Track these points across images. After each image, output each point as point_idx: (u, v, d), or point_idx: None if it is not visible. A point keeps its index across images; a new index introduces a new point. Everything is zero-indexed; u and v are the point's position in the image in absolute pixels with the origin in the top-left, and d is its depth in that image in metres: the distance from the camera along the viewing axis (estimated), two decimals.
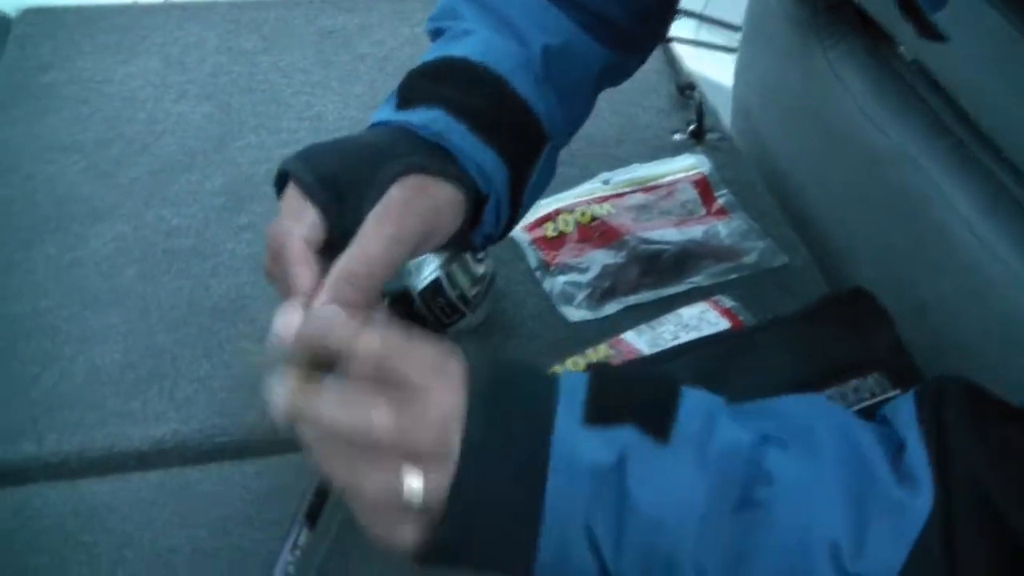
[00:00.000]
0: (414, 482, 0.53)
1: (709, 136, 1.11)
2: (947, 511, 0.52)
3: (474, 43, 0.72)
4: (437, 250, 0.76)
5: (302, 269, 0.62)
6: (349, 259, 0.61)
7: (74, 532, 0.72)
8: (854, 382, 0.73)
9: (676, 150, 1.08)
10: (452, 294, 0.80)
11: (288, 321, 0.58)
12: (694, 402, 0.54)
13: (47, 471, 0.77)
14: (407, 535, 0.55)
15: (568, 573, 0.55)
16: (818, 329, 0.78)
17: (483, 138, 0.68)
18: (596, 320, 0.87)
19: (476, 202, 0.69)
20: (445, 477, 0.53)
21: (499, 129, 0.69)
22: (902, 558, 0.51)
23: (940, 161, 0.88)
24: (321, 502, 0.68)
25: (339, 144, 0.68)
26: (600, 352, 0.81)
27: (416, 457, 0.53)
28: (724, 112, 1.20)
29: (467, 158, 0.67)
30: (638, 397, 0.55)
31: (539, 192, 0.78)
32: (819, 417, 0.56)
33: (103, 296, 0.90)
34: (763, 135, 1.17)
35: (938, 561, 0.51)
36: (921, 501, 0.52)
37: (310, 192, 0.63)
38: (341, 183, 0.64)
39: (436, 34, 0.77)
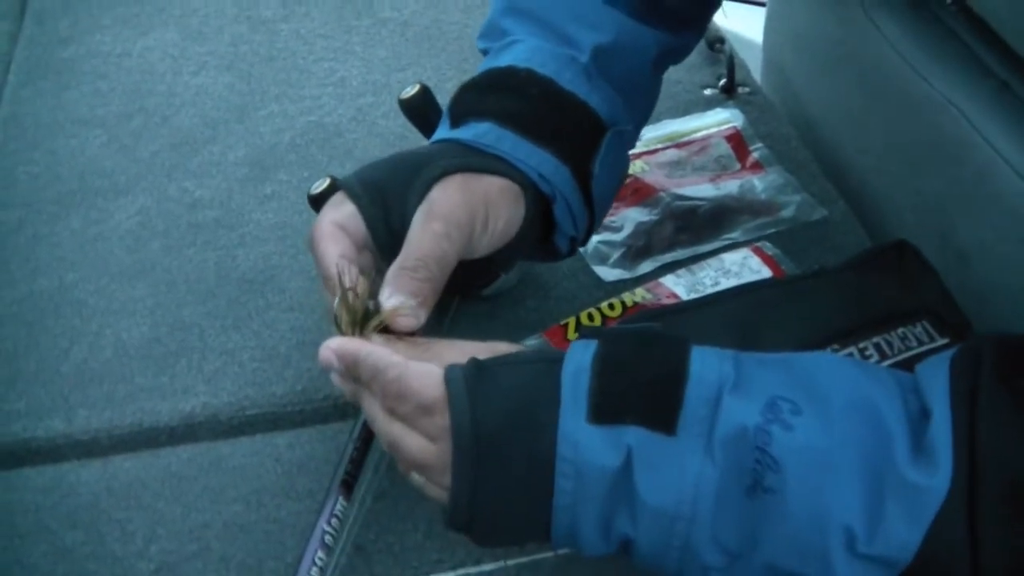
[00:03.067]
0: (416, 479, 0.58)
1: (740, 90, 1.08)
2: (972, 490, 0.49)
3: (519, 51, 0.71)
4: (523, 258, 0.76)
5: (327, 244, 0.63)
6: (402, 257, 0.62)
7: (107, 509, 0.71)
8: (901, 329, 0.70)
9: (707, 105, 1.05)
10: None
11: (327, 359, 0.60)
12: (702, 380, 0.53)
13: (78, 448, 0.76)
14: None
15: (587, 553, 0.56)
16: (863, 278, 0.75)
17: (536, 142, 0.67)
18: (632, 279, 0.85)
19: (544, 206, 0.69)
20: (446, 485, 0.56)
21: (552, 129, 0.68)
22: (918, 539, 0.49)
23: (984, 105, 0.85)
24: (356, 471, 0.67)
25: (389, 158, 0.68)
26: (638, 295, 0.79)
27: (421, 469, 0.57)
28: (754, 68, 1.17)
29: (522, 164, 0.67)
30: (643, 388, 0.53)
31: (615, 184, 0.76)
32: (839, 383, 0.53)
33: (129, 270, 0.89)
34: (796, 87, 1.14)
35: (959, 543, 0.49)
36: (938, 481, 0.49)
37: (349, 190, 0.65)
38: (385, 189, 0.65)
39: (484, 54, 0.76)
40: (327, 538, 0.64)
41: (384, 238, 0.64)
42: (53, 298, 0.87)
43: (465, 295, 0.79)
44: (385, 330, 0.60)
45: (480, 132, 0.67)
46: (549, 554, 0.67)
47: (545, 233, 0.71)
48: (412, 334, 0.61)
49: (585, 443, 0.53)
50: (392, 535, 0.68)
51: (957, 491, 0.49)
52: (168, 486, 0.73)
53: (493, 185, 0.65)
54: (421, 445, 0.56)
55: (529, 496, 0.55)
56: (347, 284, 0.60)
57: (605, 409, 0.53)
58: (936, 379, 0.53)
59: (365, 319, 0.60)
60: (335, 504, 0.65)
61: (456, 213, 0.63)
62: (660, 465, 0.52)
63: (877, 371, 0.56)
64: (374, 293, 0.61)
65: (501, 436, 0.54)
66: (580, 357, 0.55)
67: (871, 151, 1.00)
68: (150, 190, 0.97)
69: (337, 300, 0.60)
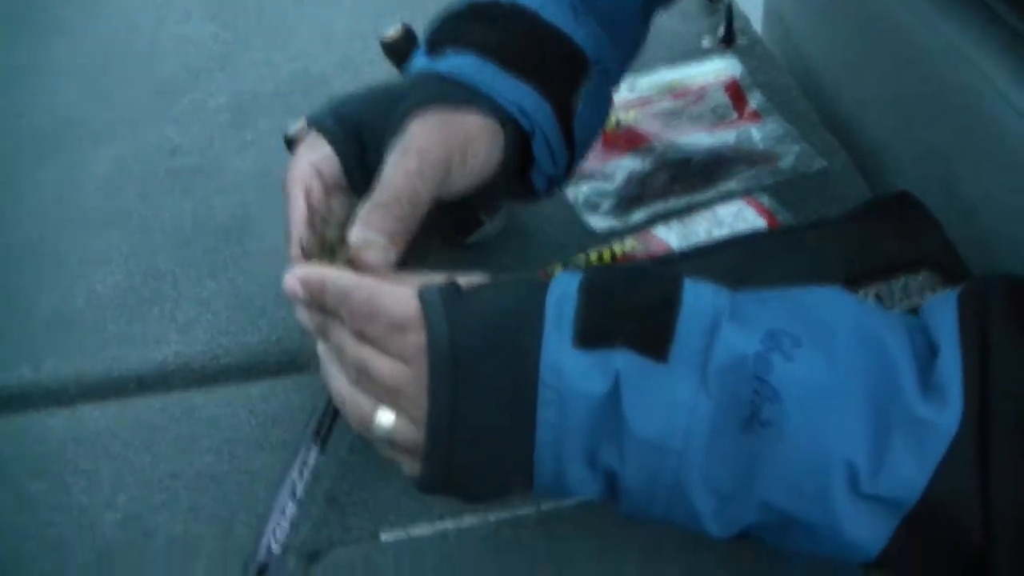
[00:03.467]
0: (383, 419, 0.53)
1: (739, 40, 1.04)
2: (983, 428, 0.46)
3: None
4: (498, 197, 0.72)
5: (300, 186, 0.60)
6: (375, 195, 0.59)
7: (74, 458, 0.69)
8: (903, 279, 0.67)
9: (704, 56, 1.01)
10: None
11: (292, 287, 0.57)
12: (696, 310, 0.50)
13: (46, 397, 0.73)
14: (405, 463, 0.54)
15: (572, 492, 0.53)
16: (863, 229, 0.73)
17: (518, 76, 0.64)
18: (622, 229, 0.82)
19: (522, 141, 0.66)
20: (421, 414, 0.51)
21: (534, 63, 0.65)
22: (925, 479, 0.46)
23: (993, 53, 0.81)
24: (331, 421, 0.64)
25: (365, 92, 0.65)
26: (627, 245, 0.76)
27: (393, 397, 0.52)
28: (754, 19, 1.13)
29: (502, 98, 0.64)
30: (634, 312, 0.50)
31: (597, 124, 0.73)
32: (842, 316, 0.50)
33: (104, 218, 0.87)
34: (797, 37, 1.10)
35: (968, 483, 0.46)
36: (947, 417, 0.46)
37: (324, 129, 0.62)
38: (361, 125, 0.62)
39: None
40: (298, 490, 0.62)
41: (359, 177, 0.62)
42: (26, 247, 0.84)
43: (448, 242, 0.76)
44: (354, 267, 0.57)
45: (460, 64, 0.64)
46: (532, 510, 0.64)
47: (522, 170, 0.68)
48: None
49: (570, 368, 0.49)
50: (367, 489, 0.66)
51: (968, 429, 0.46)
52: (138, 435, 0.70)
53: (472, 122, 0.62)
54: (393, 368, 0.52)
55: (511, 428, 0.51)
56: (315, 213, 0.58)
57: (592, 333, 0.49)
58: (944, 315, 0.50)
59: (333, 254, 0.57)
60: (308, 455, 0.63)
61: (432, 150, 0.60)
62: (650, 393, 0.48)
63: (880, 309, 0.53)
64: (343, 233, 0.58)
65: (480, 357, 0.50)
66: (566, 284, 0.52)
67: (873, 101, 0.97)
68: (128, 137, 0.95)
69: (306, 231, 0.58)
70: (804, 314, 0.50)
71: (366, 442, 0.56)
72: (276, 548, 0.60)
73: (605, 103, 0.73)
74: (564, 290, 0.51)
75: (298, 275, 0.56)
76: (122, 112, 0.98)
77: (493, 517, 0.64)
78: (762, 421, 0.48)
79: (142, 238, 0.84)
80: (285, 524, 0.60)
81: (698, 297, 0.50)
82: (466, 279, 0.54)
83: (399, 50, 0.76)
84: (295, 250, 0.59)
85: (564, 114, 0.66)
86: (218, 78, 1.02)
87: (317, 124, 0.63)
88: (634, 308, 0.50)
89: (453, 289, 0.52)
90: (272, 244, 0.82)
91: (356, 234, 0.57)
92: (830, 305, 0.51)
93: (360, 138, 0.62)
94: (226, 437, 0.70)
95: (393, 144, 0.60)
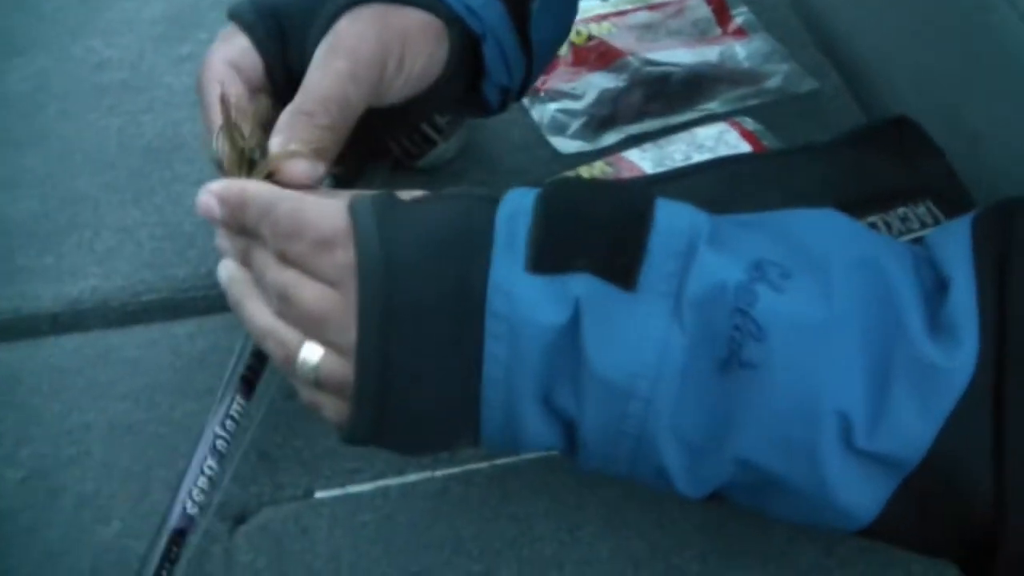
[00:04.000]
0: (309, 353, 0.46)
1: None
2: (1001, 374, 0.40)
3: None
4: (444, 109, 0.66)
5: (215, 85, 0.53)
6: (298, 100, 0.52)
7: None
8: (901, 209, 0.61)
9: None
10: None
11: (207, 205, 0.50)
12: (670, 229, 0.42)
13: None
14: (332, 408, 0.47)
15: (525, 443, 0.46)
16: (857, 154, 0.66)
17: None
18: (593, 151, 0.76)
19: (471, 45, 0.59)
20: (351, 345, 0.44)
21: None
22: (931, 434, 0.40)
23: None
24: (260, 365, 0.57)
25: None
26: (596, 168, 0.70)
27: (319, 326, 0.46)
28: None
29: None
30: (598, 230, 0.43)
31: (558, 33, 0.68)
32: (838, 243, 0.44)
33: (19, 137, 0.80)
34: None
35: (982, 439, 0.40)
36: (961, 362, 0.40)
37: (243, 22, 0.56)
38: (285, 19, 0.56)
39: None
40: (219, 443, 0.55)
41: (282, 79, 0.55)
42: None
43: (397, 165, 0.69)
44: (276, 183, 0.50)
45: None
46: (484, 464, 0.58)
47: (473, 82, 0.61)
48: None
49: (522, 295, 0.42)
50: (301, 440, 0.60)
51: (983, 376, 0.40)
52: (46, 380, 0.63)
53: (411, 18, 0.55)
54: (319, 292, 0.45)
55: (453, 362, 0.44)
56: (233, 118, 0.51)
57: (548, 255, 0.42)
58: (956, 244, 0.43)
59: (252, 166, 0.50)
60: (231, 404, 0.56)
61: (365, 49, 0.53)
62: (615, 325, 0.42)
63: (882, 236, 0.46)
64: (265, 142, 0.51)
65: (418, 278, 0.43)
66: (520, 199, 0.44)
67: (869, 16, 0.90)
68: (51, 49, 0.87)
69: (220, 138, 0.51)
70: (794, 241, 0.43)
71: (287, 377, 0.49)
72: (193, 510, 0.53)
73: (569, 6, 0.66)
74: (518, 205, 0.44)
75: (214, 189, 0.49)
76: (45, 22, 0.90)
77: (440, 472, 0.58)
78: (743, 362, 0.41)
79: (60, 159, 0.77)
80: (204, 483, 0.53)
81: (673, 216, 0.43)
82: (407, 192, 0.47)
83: None
84: (214, 156, 0.53)
85: (519, 16, 0.60)
86: None
87: (235, 16, 0.56)
88: (598, 227, 0.43)
89: (389, 201, 0.45)
90: (204, 168, 0.74)
91: (277, 144, 0.50)
92: (824, 230, 0.44)
93: (282, 33, 0.56)
94: (145, 382, 0.63)
95: (321, 42, 0.53)
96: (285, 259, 0.46)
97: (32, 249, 0.71)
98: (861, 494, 0.42)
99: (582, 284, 0.42)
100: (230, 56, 0.55)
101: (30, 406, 0.62)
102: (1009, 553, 0.41)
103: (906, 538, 0.45)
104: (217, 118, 0.52)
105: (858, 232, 0.45)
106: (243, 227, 0.49)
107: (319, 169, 0.51)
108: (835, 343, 0.41)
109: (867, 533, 0.44)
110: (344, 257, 0.44)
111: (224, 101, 0.51)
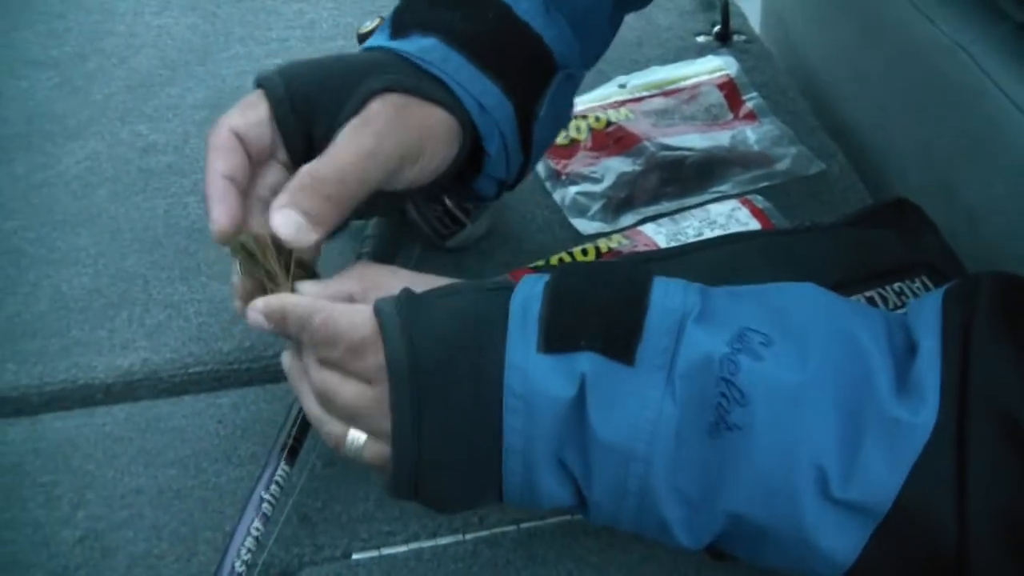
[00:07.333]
0: (354, 440, 0.52)
1: (736, 38, 1.01)
2: (961, 428, 0.44)
3: None
4: (441, 191, 0.69)
5: (216, 158, 0.55)
6: (317, 162, 0.55)
7: (32, 472, 0.65)
8: (897, 284, 0.64)
9: (700, 53, 0.98)
10: (450, 201, 0.72)
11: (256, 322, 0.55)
12: (664, 310, 0.47)
13: (5, 405, 0.70)
14: (375, 473, 0.53)
15: (543, 502, 0.51)
16: (860, 233, 0.69)
17: (484, 69, 0.61)
18: (612, 232, 0.78)
19: (474, 143, 0.62)
20: (387, 432, 0.50)
21: (502, 59, 0.61)
22: (898, 482, 0.44)
23: (995, 50, 0.78)
24: (302, 434, 0.61)
25: (321, 60, 0.61)
26: (613, 241, 0.73)
27: (358, 418, 0.51)
28: (752, 16, 1.10)
29: (464, 91, 0.60)
30: (600, 312, 0.48)
31: (556, 130, 0.70)
32: (816, 313, 0.48)
33: (73, 217, 0.83)
34: (795, 36, 1.07)
35: (945, 485, 0.44)
36: (924, 417, 0.44)
37: (272, 92, 0.57)
38: (313, 95, 0.57)
39: None
40: (265, 507, 0.58)
41: (302, 149, 0.57)
42: None
43: (429, 245, 0.73)
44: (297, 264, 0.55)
45: (424, 47, 0.59)
46: (510, 527, 0.61)
47: (469, 173, 0.64)
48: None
49: (535, 374, 0.47)
50: (340, 504, 0.63)
51: (944, 428, 0.44)
52: (100, 448, 0.67)
53: (435, 116, 0.58)
54: (357, 391, 0.50)
55: (477, 438, 0.49)
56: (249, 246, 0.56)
57: (557, 336, 0.47)
58: (927, 311, 0.47)
59: (272, 280, 0.55)
60: (276, 469, 0.60)
61: (390, 134, 0.56)
62: (616, 397, 0.47)
63: (861, 306, 0.51)
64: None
65: (441, 367, 0.48)
66: (531, 287, 0.49)
67: (873, 101, 0.94)
68: (101, 134, 0.91)
69: (239, 279, 0.57)
70: (777, 312, 0.48)
71: (338, 456, 0.54)
72: (241, 568, 0.56)
73: (566, 109, 0.70)
74: (530, 291, 0.49)
75: (259, 307, 0.54)
76: (96, 107, 0.94)
77: (470, 535, 0.61)
78: (729, 425, 0.46)
79: (111, 238, 0.81)
80: (251, 543, 0.57)
81: (667, 295, 0.48)
82: (427, 280, 0.53)
83: None
84: (213, 227, 0.56)
85: (525, 117, 0.63)
86: (196, 72, 0.98)
87: (262, 83, 0.57)
88: (601, 308, 0.48)
89: (411, 302, 0.50)
90: None
91: (277, 208, 0.53)
92: (804, 302, 0.49)
93: (309, 107, 0.57)
94: (192, 450, 0.66)
95: (352, 119, 0.56)
96: (326, 362, 0.52)
97: (86, 323, 0.74)
98: (839, 540, 0.46)
99: (587, 362, 0.47)
100: (238, 125, 0.56)
101: (85, 471, 0.65)
102: None
103: None
104: (214, 191, 0.55)
105: (835, 303, 0.49)
106: (287, 334, 0.54)
107: (312, 236, 0.53)
108: (811, 402, 0.45)
109: None
110: (375, 360, 0.49)
111: (231, 173, 0.55)
